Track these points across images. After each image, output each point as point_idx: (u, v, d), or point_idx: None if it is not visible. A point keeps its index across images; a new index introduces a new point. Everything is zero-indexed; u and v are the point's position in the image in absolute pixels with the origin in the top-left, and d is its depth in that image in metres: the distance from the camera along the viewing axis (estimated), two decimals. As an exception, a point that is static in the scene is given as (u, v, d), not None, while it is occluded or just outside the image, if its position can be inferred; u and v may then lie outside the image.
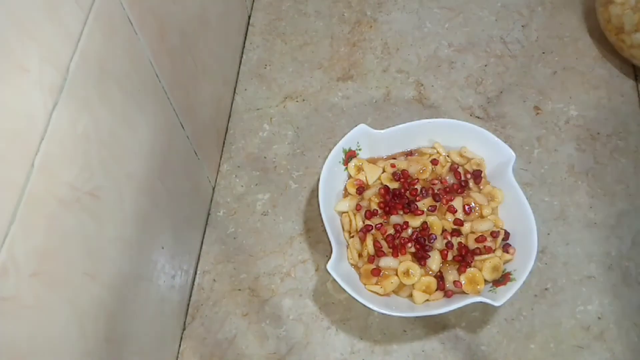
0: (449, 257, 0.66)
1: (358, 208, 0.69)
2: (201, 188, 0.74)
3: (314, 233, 0.73)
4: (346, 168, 0.72)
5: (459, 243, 0.67)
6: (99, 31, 0.46)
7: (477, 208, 0.69)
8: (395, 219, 0.68)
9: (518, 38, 0.87)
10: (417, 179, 0.71)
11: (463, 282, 0.64)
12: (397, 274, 0.65)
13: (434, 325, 0.66)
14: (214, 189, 0.78)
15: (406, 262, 0.65)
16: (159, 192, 0.60)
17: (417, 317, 0.66)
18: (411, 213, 0.68)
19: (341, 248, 0.66)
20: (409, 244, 0.66)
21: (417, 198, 0.69)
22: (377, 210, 0.69)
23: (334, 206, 0.70)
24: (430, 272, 0.65)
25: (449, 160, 0.72)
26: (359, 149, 0.73)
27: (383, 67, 0.86)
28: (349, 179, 0.72)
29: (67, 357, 0.44)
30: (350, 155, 0.72)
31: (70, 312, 0.44)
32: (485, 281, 0.64)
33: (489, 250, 0.65)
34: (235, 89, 0.86)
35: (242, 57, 0.89)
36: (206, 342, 0.68)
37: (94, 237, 0.47)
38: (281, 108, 0.83)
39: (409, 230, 0.67)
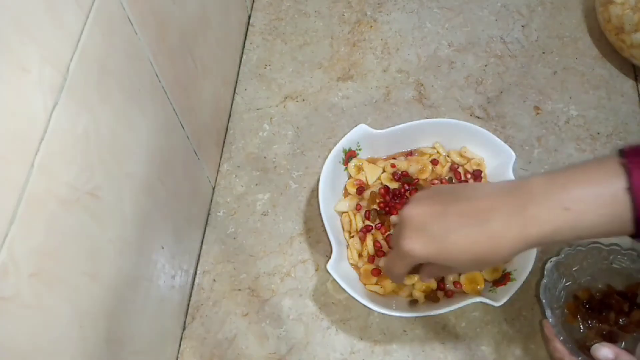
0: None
1: (358, 208, 0.69)
2: (201, 188, 0.74)
3: (314, 233, 0.73)
4: (346, 168, 0.72)
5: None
6: (99, 31, 0.46)
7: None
8: (395, 219, 0.68)
9: (518, 38, 0.87)
10: (417, 179, 0.71)
11: (463, 282, 0.64)
12: (397, 274, 0.65)
13: (434, 325, 0.66)
14: (214, 189, 0.78)
15: (406, 262, 0.65)
16: (159, 192, 0.60)
17: (417, 317, 0.66)
18: (411, 213, 0.68)
19: (341, 248, 0.66)
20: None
21: (417, 198, 0.69)
22: (377, 210, 0.69)
23: (334, 206, 0.70)
24: (430, 272, 0.65)
25: (449, 160, 0.72)
26: (359, 149, 0.73)
27: (383, 67, 0.86)
28: (349, 179, 0.72)
29: (67, 357, 0.44)
30: (350, 155, 0.72)
31: (70, 312, 0.44)
32: (485, 281, 0.64)
33: (489, 250, 0.65)
34: (235, 89, 0.86)
35: (242, 57, 0.89)
36: (206, 342, 0.68)
37: (93, 237, 0.47)
38: (281, 108, 0.83)
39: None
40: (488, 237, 0.45)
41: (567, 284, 0.63)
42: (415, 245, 0.48)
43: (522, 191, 0.45)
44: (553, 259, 0.61)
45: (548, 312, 0.57)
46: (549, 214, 0.43)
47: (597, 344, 0.51)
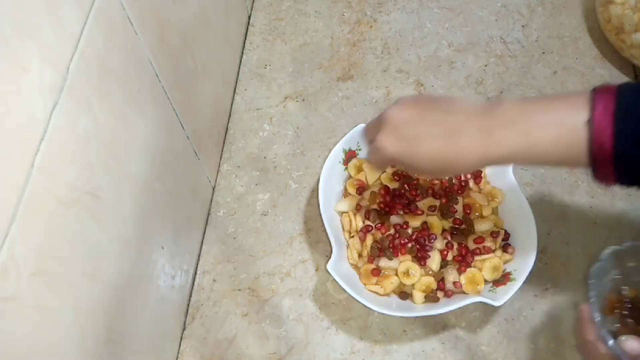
0: (449, 257, 0.66)
1: (358, 208, 0.69)
2: (201, 188, 0.74)
3: (314, 233, 0.73)
4: (346, 168, 0.72)
5: (459, 243, 0.67)
6: (99, 31, 0.46)
7: (477, 208, 0.69)
8: (395, 219, 0.68)
9: (518, 38, 0.87)
10: (417, 178, 0.71)
11: (463, 282, 0.64)
12: (397, 274, 0.65)
13: (434, 325, 0.66)
14: (214, 189, 0.78)
15: (406, 262, 0.65)
16: (159, 192, 0.60)
17: (417, 317, 0.66)
18: (411, 213, 0.68)
19: (341, 248, 0.66)
20: (409, 244, 0.66)
21: (417, 198, 0.69)
22: (377, 210, 0.69)
23: (334, 206, 0.70)
24: (430, 272, 0.65)
25: (449, 160, 0.72)
26: (359, 149, 0.73)
27: (383, 67, 0.86)
28: (349, 179, 0.72)
29: (67, 357, 0.44)
30: (350, 155, 0.72)
31: (70, 312, 0.44)
32: (485, 281, 0.64)
33: (488, 250, 0.65)
34: (235, 89, 0.86)
35: (242, 57, 0.89)
36: (206, 342, 0.68)
37: (93, 237, 0.47)
38: (281, 108, 0.83)
39: (409, 230, 0.67)
40: (453, 151, 0.49)
41: (616, 276, 0.62)
42: (388, 143, 0.52)
43: (494, 115, 0.48)
44: (613, 247, 0.60)
45: (593, 293, 0.56)
46: (511, 138, 0.47)
47: (626, 336, 0.51)
